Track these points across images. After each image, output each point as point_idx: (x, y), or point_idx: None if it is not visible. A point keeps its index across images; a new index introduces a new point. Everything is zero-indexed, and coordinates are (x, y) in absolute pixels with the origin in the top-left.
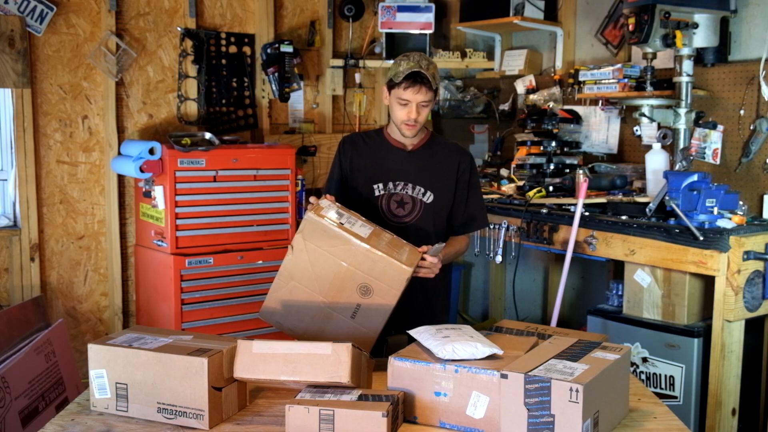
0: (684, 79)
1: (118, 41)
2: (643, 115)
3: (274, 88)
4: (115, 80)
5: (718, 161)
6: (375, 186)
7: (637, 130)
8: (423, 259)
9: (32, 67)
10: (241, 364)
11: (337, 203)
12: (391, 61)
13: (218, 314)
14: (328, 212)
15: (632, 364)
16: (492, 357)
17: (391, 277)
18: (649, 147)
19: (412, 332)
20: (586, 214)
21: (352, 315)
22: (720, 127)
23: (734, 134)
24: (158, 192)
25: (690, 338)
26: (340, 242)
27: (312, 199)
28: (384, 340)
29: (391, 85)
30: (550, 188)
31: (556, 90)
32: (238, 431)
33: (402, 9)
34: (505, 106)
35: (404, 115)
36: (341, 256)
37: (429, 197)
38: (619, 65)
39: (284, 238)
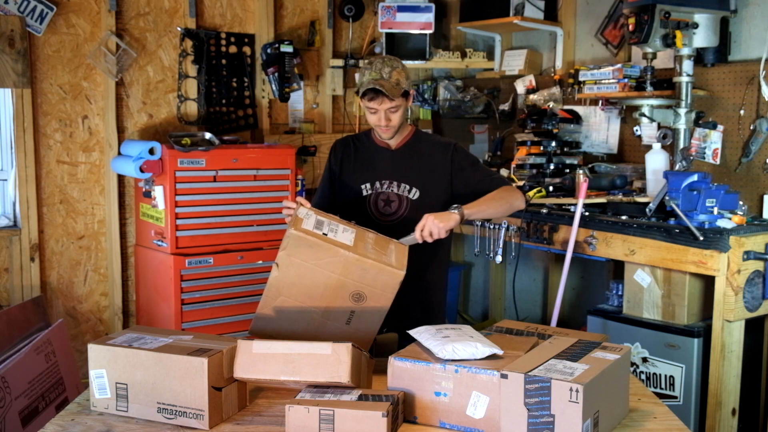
0: (684, 79)
1: (118, 41)
2: (643, 115)
3: (274, 88)
4: (115, 80)
5: (718, 161)
6: (363, 186)
7: (637, 130)
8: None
9: (32, 67)
10: (241, 364)
11: (313, 208)
12: None
13: (218, 314)
14: (308, 223)
15: (632, 364)
16: (492, 357)
17: (383, 282)
18: (649, 147)
19: (412, 332)
20: (586, 214)
21: (347, 321)
22: (720, 127)
23: (734, 134)
24: (158, 192)
25: (690, 338)
26: (327, 255)
27: (286, 202)
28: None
29: (359, 95)
30: (550, 188)
31: (556, 90)
32: (238, 431)
33: (402, 9)
34: (505, 106)
35: (375, 120)
36: (330, 267)
37: (415, 194)
38: (619, 65)
39: None
